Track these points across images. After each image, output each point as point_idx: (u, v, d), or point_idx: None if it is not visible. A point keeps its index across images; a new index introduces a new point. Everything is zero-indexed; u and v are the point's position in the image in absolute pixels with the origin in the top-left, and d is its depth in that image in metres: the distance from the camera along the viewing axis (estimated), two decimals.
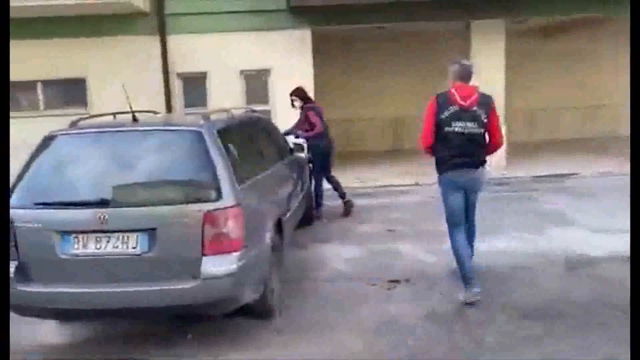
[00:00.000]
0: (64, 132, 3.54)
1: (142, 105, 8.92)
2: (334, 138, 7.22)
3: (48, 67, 9.43)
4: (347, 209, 7.08)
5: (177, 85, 9.62)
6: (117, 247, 3.18)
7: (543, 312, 3.89)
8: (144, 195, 3.25)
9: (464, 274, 4.11)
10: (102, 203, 3.19)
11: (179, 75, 9.63)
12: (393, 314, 3.97)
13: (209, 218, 3.17)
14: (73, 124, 3.74)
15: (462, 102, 3.93)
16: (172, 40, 9.46)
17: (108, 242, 3.19)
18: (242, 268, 3.27)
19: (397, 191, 8.63)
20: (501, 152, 10.06)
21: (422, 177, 9.50)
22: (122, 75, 9.36)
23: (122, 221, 3.18)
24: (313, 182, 6.94)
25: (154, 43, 9.40)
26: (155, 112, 5.22)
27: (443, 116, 3.94)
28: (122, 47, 9.45)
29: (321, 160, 6.82)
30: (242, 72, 9.63)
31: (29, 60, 9.35)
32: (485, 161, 4.16)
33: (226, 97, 9.53)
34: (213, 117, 3.83)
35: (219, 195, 3.22)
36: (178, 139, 3.41)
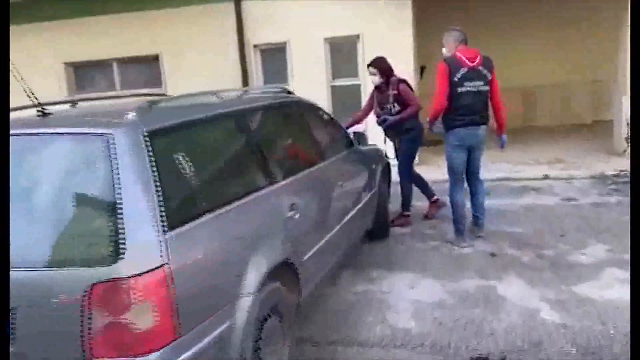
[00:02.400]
0: None
1: (218, 85, 7.88)
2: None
3: (122, 44, 8.70)
4: (431, 212, 5.50)
5: (254, 59, 8.38)
6: None
7: None
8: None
9: (458, 226, 4.62)
10: None
11: (256, 47, 8.37)
12: None
13: (98, 296, 1.77)
14: None
15: (470, 63, 4.28)
16: (248, 6, 8.20)
17: None
18: None
19: (519, 187, 6.61)
20: None
21: (556, 166, 7.39)
22: (196, 50, 8.44)
23: None
24: (398, 178, 5.38)
25: (228, 11, 8.22)
26: (162, 95, 3.94)
27: (455, 78, 4.26)
28: (196, 18, 8.41)
29: (414, 149, 5.31)
30: (326, 40, 8.10)
31: (103, 38, 8.70)
32: (488, 121, 4.52)
33: (308, 71, 8.14)
34: (164, 104, 2.41)
35: (120, 254, 1.80)
36: (74, 149, 2.01)
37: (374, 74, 5.25)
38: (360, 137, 4.31)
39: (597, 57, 11.02)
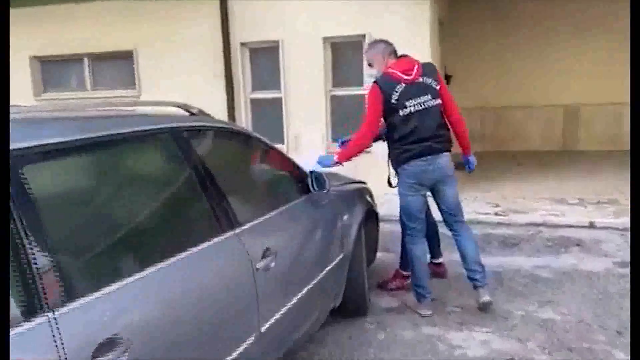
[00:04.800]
0: None
1: (197, 91, 6.61)
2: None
3: (94, 37, 7.51)
4: (393, 284, 4.01)
5: (241, 60, 7.05)
6: None
7: None
8: None
9: (419, 290, 3.55)
10: None
11: (244, 45, 7.05)
12: None
13: None
14: None
15: (406, 77, 3.34)
16: None
17: None
18: None
19: (558, 239, 5.08)
20: None
21: (606, 209, 5.84)
22: (174, 46, 7.21)
23: None
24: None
25: (212, 2, 6.93)
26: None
27: (393, 100, 3.32)
28: (175, 8, 7.16)
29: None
30: (326, 40, 6.72)
31: (74, 30, 7.54)
32: (451, 145, 3.51)
33: (304, 76, 6.80)
34: None
35: None
36: None
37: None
38: (317, 178, 2.87)
39: None
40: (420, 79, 3.36)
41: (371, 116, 3.39)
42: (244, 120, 7.12)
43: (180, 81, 7.16)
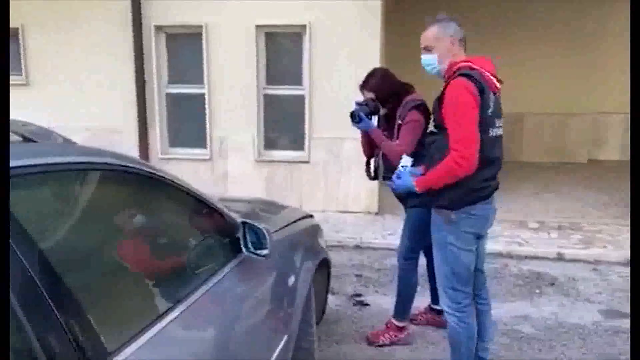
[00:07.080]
0: None
1: (97, 83, 5.35)
2: None
3: None
4: (384, 336, 3.21)
5: (155, 47, 5.86)
6: None
7: None
8: None
9: None
10: None
11: (159, 29, 5.87)
12: None
13: None
14: None
15: (498, 85, 2.35)
16: None
17: None
18: None
19: (528, 275, 4.40)
20: None
21: (570, 236, 5.26)
22: (72, 28, 5.89)
23: None
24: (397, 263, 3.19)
25: None
26: None
27: (489, 111, 2.26)
28: None
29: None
30: (260, 28, 5.68)
31: None
32: None
33: (232, 70, 5.71)
34: None
35: None
36: None
37: (373, 100, 3.07)
38: (252, 230, 1.85)
39: (600, 87, 9.14)
40: (498, 94, 2.38)
41: (470, 126, 2.19)
42: (157, 121, 5.94)
43: (78, 69, 5.89)
